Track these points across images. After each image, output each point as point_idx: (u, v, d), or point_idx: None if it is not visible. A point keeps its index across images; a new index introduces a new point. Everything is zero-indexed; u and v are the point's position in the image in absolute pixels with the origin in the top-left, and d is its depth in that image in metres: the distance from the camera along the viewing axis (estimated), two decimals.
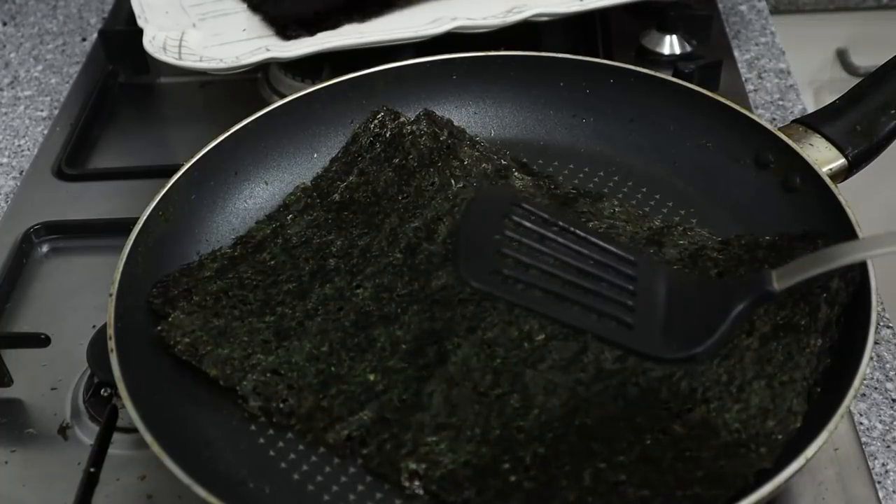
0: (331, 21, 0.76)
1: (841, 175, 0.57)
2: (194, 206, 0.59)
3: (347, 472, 0.48)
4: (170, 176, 0.58)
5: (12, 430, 0.58)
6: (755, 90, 0.81)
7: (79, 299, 0.65)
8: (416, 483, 0.47)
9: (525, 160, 0.64)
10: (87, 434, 0.57)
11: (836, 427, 0.44)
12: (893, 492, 0.52)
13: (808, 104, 0.80)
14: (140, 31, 0.76)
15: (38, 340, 0.59)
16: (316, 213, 0.60)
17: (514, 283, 0.53)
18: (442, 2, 0.77)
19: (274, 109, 0.63)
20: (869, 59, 1.02)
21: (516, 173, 0.61)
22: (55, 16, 0.98)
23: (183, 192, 0.58)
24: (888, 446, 0.55)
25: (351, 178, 0.62)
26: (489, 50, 0.67)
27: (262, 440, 0.50)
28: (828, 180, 0.55)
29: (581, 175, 0.64)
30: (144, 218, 0.55)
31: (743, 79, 0.82)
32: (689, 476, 0.45)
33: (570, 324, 0.51)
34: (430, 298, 0.54)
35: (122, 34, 0.85)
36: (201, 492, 0.42)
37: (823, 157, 0.57)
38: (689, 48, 0.82)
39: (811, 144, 0.58)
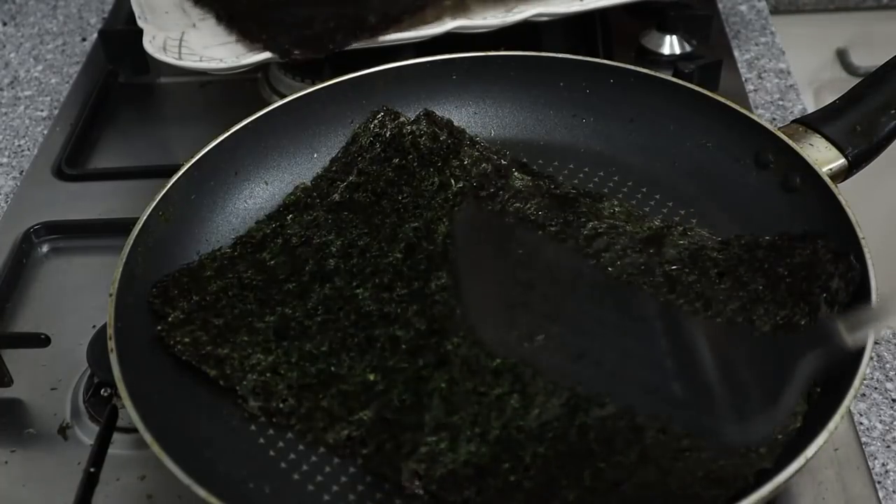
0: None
1: (841, 175, 0.57)
2: (194, 206, 0.59)
3: (347, 472, 0.48)
4: (170, 176, 0.58)
5: (12, 430, 0.58)
6: (755, 90, 0.81)
7: (79, 299, 0.65)
8: (416, 483, 0.47)
9: (525, 160, 0.64)
10: (87, 434, 0.57)
11: (836, 427, 0.44)
12: (893, 492, 0.52)
13: (808, 104, 0.80)
14: (140, 31, 0.76)
15: (38, 340, 0.59)
16: (316, 213, 0.60)
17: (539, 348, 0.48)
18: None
19: (274, 109, 0.63)
20: (869, 59, 1.02)
21: (516, 173, 0.61)
22: (55, 16, 0.98)
23: (183, 192, 0.58)
24: (888, 446, 0.55)
25: (351, 178, 0.62)
26: (489, 50, 0.67)
27: (262, 440, 0.50)
28: (828, 180, 0.55)
29: (581, 175, 0.64)
30: (144, 218, 0.55)
31: (743, 79, 0.82)
32: (689, 476, 0.45)
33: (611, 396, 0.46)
34: (431, 298, 0.54)
35: (122, 34, 0.85)
36: (201, 492, 0.42)
37: (823, 157, 0.57)
38: (689, 48, 0.81)
39: (811, 144, 0.58)
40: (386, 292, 0.55)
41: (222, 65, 0.71)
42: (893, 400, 0.57)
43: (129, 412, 0.45)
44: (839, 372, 0.46)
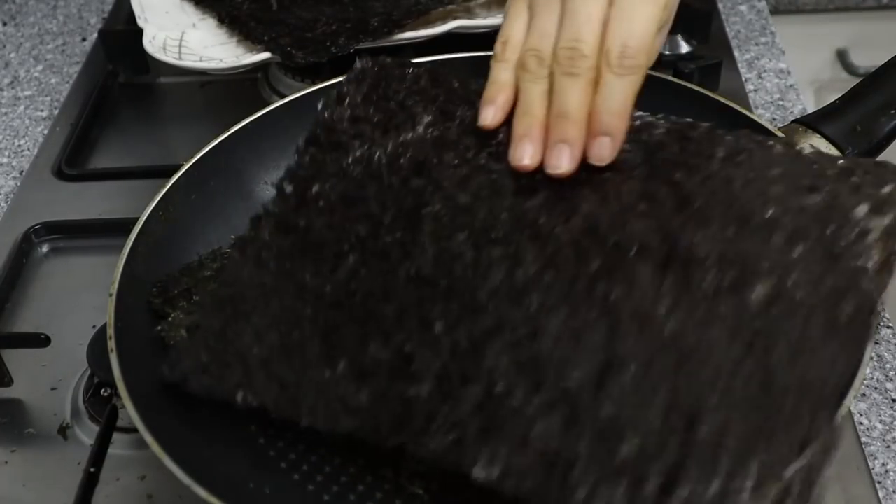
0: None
1: None
2: (194, 206, 0.59)
3: (347, 472, 0.48)
4: (170, 176, 0.58)
5: (12, 430, 0.58)
6: (755, 90, 0.81)
7: (79, 299, 0.65)
8: (417, 483, 0.47)
9: None
10: (87, 434, 0.57)
11: None
12: (893, 492, 0.52)
13: (808, 104, 0.80)
14: (140, 31, 0.76)
15: (38, 340, 0.59)
16: None
17: None
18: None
19: (274, 109, 0.63)
20: (869, 59, 1.02)
21: None
22: (55, 16, 0.98)
23: (183, 192, 0.58)
24: (888, 446, 0.55)
25: None
26: (489, 50, 0.67)
27: (262, 440, 0.50)
28: None
29: None
30: (144, 218, 0.55)
31: (743, 79, 0.82)
32: None
33: None
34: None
35: (122, 34, 0.85)
36: (201, 492, 0.42)
37: None
38: (689, 48, 0.81)
39: (811, 144, 0.58)
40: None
41: (222, 65, 0.71)
42: (893, 400, 0.57)
43: (129, 412, 0.45)
44: None
